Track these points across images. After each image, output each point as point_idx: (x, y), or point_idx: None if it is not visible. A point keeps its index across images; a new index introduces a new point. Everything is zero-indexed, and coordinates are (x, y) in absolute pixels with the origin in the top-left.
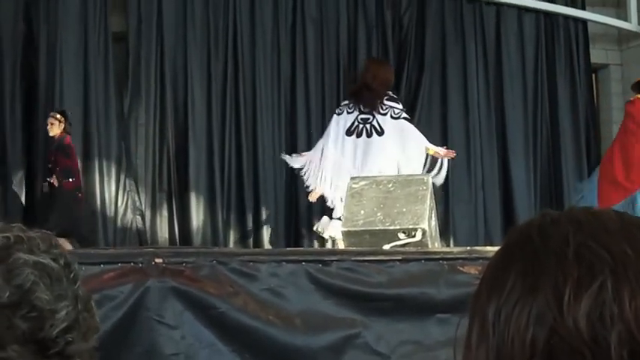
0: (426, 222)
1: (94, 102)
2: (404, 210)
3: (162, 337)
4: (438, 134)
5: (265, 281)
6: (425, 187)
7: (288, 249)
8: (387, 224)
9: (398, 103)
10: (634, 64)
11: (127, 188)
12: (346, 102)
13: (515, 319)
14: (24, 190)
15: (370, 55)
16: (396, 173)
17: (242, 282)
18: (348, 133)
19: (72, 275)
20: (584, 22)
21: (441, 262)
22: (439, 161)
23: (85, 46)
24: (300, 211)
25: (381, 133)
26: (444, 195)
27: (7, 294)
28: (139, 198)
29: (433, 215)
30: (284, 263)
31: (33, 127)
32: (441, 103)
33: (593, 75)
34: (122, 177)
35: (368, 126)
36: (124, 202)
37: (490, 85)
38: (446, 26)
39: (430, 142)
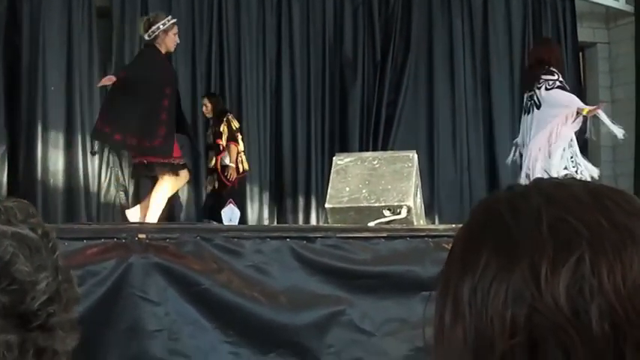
0: (411, 199)
1: (77, 78)
2: (389, 187)
3: (146, 313)
4: (424, 113)
5: (250, 258)
6: (410, 164)
7: (272, 225)
8: (372, 201)
9: (554, 74)
10: (621, 43)
11: (110, 164)
12: None
13: (493, 298)
14: (6, 167)
15: (356, 34)
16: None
17: (226, 258)
18: (523, 112)
19: (50, 245)
20: (571, 0)
21: (426, 239)
22: (601, 119)
23: (68, 21)
24: (285, 187)
25: (539, 106)
26: (429, 173)
27: None
28: (123, 174)
29: (418, 193)
30: (268, 240)
31: (15, 104)
32: (427, 82)
33: (581, 53)
34: (105, 153)
35: (531, 102)
36: (107, 178)
37: (477, 63)
38: (432, 4)
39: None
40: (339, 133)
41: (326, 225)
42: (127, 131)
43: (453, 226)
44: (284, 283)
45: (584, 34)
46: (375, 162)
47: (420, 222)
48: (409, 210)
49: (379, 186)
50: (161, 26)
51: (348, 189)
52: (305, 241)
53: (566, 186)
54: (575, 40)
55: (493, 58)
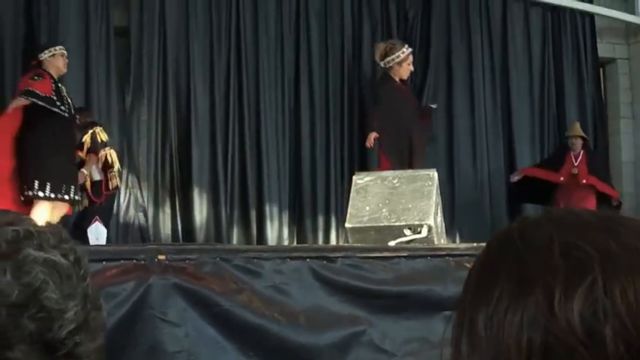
0: (431, 218)
1: (95, 98)
2: (409, 206)
3: (166, 334)
4: (443, 129)
5: (269, 278)
6: (430, 183)
7: (292, 245)
8: (393, 220)
9: None
10: None
11: (130, 185)
12: None
13: (508, 325)
14: None
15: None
16: None
17: (246, 279)
18: None
19: (82, 272)
20: (591, 16)
21: (447, 258)
22: None
23: (86, 41)
24: (304, 207)
25: None
26: (449, 192)
27: (16, 292)
28: (142, 194)
29: (439, 211)
30: (288, 260)
31: None
32: (447, 98)
33: (601, 69)
34: (124, 173)
35: None
36: (127, 199)
37: (496, 79)
38: (451, 20)
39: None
40: (358, 151)
41: (346, 245)
42: None
43: (474, 245)
44: (304, 303)
45: (604, 49)
46: (395, 181)
47: (441, 241)
48: (430, 229)
49: (399, 205)
50: (396, 59)
51: (368, 208)
52: (325, 261)
53: (577, 213)
54: (595, 55)
55: (513, 74)
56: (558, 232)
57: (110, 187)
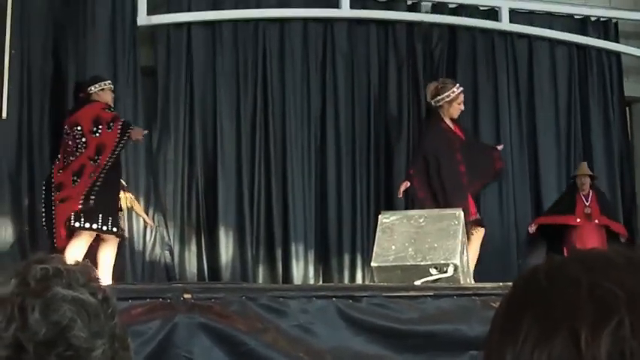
0: (457, 257)
1: None
2: (435, 245)
3: None
4: None
5: (295, 317)
6: (456, 222)
7: (318, 284)
8: (419, 259)
9: None
10: None
11: (156, 223)
12: None
13: None
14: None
15: (401, 91)
16: None
17: (271, 318)
18: None
19: (110, 311)
20: (617, 54)
21: (473, 297)
22: None
23: (113, 80)
24: (330, 246)
25: None
26: None
27: (44, 330)
28: (168, 233)
29: (465, 250)
30: (314, 299)
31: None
32: (473, 136)
33: (627, 108)
34: (150, 212)
35: None
36: (153, 237)
37: (522, 119)
38: (477, 60)
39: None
40: (384, 190)
41: (372, 284)
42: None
43: (500, 284)
44: (330, 342)
45: (630, 88)
46: (421, 220)
47: (467, 280)
48: (456, 268)
49: (425, 244)
50: (446, 98)
51: (394, 247)
52: (351, 301)
53: (603, 254)
54: (621, 94)
55: (539, 113)
56: (584, 273)
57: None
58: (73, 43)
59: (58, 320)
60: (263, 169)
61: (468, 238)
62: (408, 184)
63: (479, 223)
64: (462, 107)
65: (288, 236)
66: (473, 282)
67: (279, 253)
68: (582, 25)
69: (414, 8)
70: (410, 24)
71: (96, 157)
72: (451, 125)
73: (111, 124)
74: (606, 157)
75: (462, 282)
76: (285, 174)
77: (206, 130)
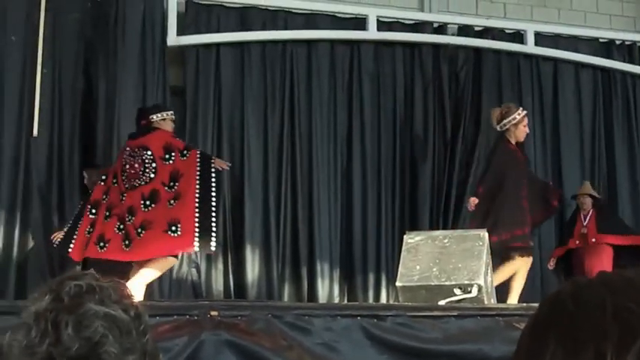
0: (481, 278)
1: None
2: (459, 265)
3: None
4: None
5: (320, 335)
6: (481, 243)
7: (342, 303)
8: (443, 280)
9: None
10: None
11: None
12: None
13: None
14: None
15: (426, 113)
16: None
17: (296, 336)
18: None
19: (142, 327)
20: None
21: (496, 318)
22: None
23: (143, 99)
24: (355, 265)
25: None
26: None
27: (77, 346)
28: (195, 251)
29: (489, 271)
30: (339, 317)
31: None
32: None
33: None
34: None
35: None
36: (180, 255)
37: (547, 141)
38: (502, 82)
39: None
40: (409, 210)
41: (396, 303)
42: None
43: (524, 305)
44: None
45: None
46: (446, 240)
47: (491, 301)
48: (480, 288)
49: (450, 264)
50: (512, 120)
51: (418, 267)
52: (375, 320)
53: (628, 277)
54: None
55: (563, 136)
56: (610, 295)
57: None
58: (104, 62)
59: (90, 336)
60: (289, 188)
61: (510, 259)
62: (476, 200)
63: (530, 252)
64: (528, 130)
65: (313, 255)
66: (515, 303)
67: (304, 271)
68: (607, 48)
69: (440, 30)
70: (436, 46)
71: (171, 184)
72: (517, 149)
73: (184, 152)
74: (631, 180)
75: (485, 302)
76: (311, 193)
77: (233, 149)
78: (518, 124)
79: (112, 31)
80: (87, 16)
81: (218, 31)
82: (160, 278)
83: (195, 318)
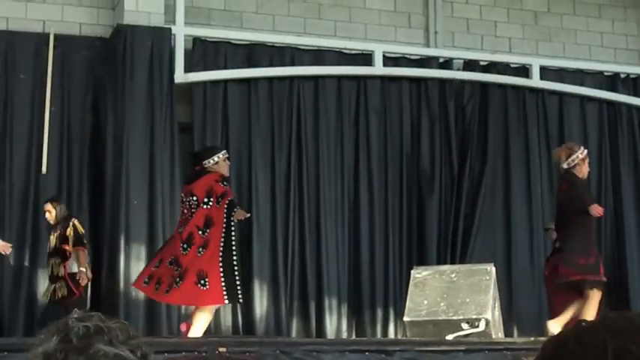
0: (489, 312)
1: (159, 192)
2: (467, 300)
3: None
4: (501, 226)
5: None
6: (488, 277)
7: (351, 338)
8: (451, 314)
9: None
10: None
11: None
12: None
13: None
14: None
15: (433, 147)
16: None
17: None
18: None
19: None
20: None
21: (504, 352)
22: None
23: (151, 136)
24: (363, 300)
25: None
26: (507, 286)
27: None
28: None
29: (497, 305)
30: (347, 353)
31: (99, 217)
32: (504, 194)
33: None
34: None
35: None
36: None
37: (553, 174)
38: (509, 116)
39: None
40: (416, 245)
41: (404, 338)
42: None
43: (532, 339)
44: None
45: None
46: (453, 275)
47: (499, 335)
48: (487, 323)
49: (457, 299)
50: (580, 155)
51: (426, 302)
52: (383, 355)
53: (630, 318)
54: None
55: None
56: (611, 337)
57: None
58: (112, 99)
59: None
60: (297, 223)
61: (582, 294)
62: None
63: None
64: (588, 168)
65: (321, 290)
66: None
67: (312, 306)
68: (612, 81)
69: (446, 65)
70: (442, 81)
71: (204, 229)
72: None
73: (220, 199)
74: (637, 213)
75: (493, 336)
76: (318, 228)
77: (241, 184)
78: (585, 160)
79: (121, 68)
80: (95, 53)
81: (225, 67)
82: (168, 314)
83: (204, 354)
